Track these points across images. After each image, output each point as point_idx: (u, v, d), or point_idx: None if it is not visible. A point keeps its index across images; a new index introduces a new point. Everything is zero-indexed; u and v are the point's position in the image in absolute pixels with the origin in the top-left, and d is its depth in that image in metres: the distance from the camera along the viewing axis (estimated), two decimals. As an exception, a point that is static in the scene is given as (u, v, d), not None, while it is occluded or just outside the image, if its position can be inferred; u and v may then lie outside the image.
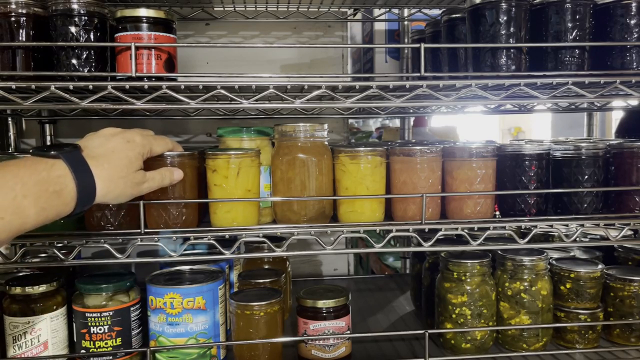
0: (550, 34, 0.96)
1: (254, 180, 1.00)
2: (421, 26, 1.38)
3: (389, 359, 1.08)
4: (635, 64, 0.96)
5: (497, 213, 1.08)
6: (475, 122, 4.88)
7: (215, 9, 1.43)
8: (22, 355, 0.97)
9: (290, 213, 1.01)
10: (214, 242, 0.96)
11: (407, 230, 1.00)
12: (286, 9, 1.44)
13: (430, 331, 1.03)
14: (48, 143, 1.45)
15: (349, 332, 1.07)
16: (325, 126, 1.03)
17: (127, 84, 0.87)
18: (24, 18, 0.88)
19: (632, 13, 0.95)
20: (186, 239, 0.96)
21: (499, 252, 1.10)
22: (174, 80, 0.92)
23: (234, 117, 1.43)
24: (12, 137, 1.41)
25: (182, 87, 0.89)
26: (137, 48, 0.89)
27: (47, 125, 1.43)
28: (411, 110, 1.45)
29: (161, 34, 0.92)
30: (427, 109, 1.44)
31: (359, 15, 1.52)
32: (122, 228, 0.97)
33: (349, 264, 1.72)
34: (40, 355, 0.98)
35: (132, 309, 1.02)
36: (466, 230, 1.00)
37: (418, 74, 0.93)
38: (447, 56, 1.11)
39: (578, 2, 0.94)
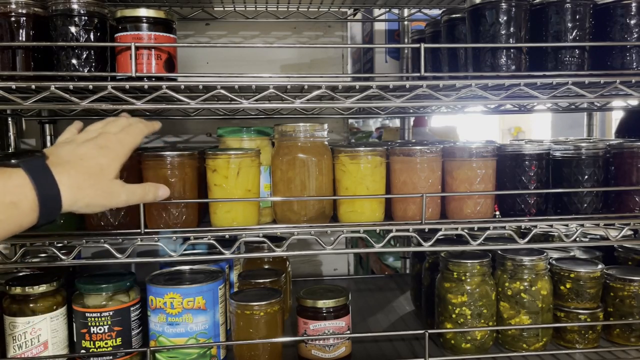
0: (550, 34, 0.96)
1: (254, 180, 1.00)
2: (421, 26, 1.38)
3: (389, 359, 1.08)
4: (635, 64, 0.96)
5: (497, 213, 1.08)
6: (475, 122, 4.88)
7: (215, 9, 1.42)
8: (22, 355, 0.97)
9: (290, 213, 1.01)
10: (214, 242, 0.96)
11: (407, 230, 1.00)
12: (286, 9, 1.44)
13: (430, 331, 1.03)
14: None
15: (349, 332, 1.07)
16: (325, 126, 1.03)
17: (127, 84, 0.87)
18: (24, 18, 0.88)
19: (632, 13, 0.95)
20: (186, 239, 0.96)
21: (499, 252, 1.10)
22: (174, 80, 0.92)
23: (234, 117, 1.43)
24: (12, 137, 1.41)
25: (182, 87, 0.89)
26: (137, 48, 0.89)
27: (47, 125, 1.43)
28: (411, 110, 1.45)
29: (161, 34, 0.92)
30: (427, 109, 1.44)
31: (359, 15, 1.52)
32: (122, 228, 0.97)
33: (349, 264, 1.72)
34: (40, 355, 0.98)
35: (132, 309, 1.02)
36: (466, 230, 1.00)
37: (418, 74, 0.93)
38: (447, 56, 1.11)
39: (578, 2, 0.94)
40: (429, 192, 1.00)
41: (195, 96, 0.92)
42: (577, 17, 0.95)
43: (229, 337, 1.08)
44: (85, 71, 0.89)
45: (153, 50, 0.91)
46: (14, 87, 0.85)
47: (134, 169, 0.98)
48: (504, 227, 1.03)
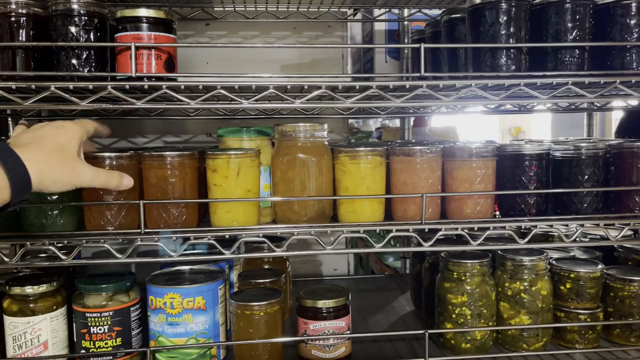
0: (550, 34, 0.96)
1: (254, 180, 1.00)
2: (421, 26, 1.38)
3: (389, 359, 1.08)
4: (635, 64, 0.96)
5: (497, 213, 1.08)
6: (475, 122, 4.88)
7: (215, 9, 1.43)
8: (22, 355, 0.97)
9: (290, 213, 1.01)
10: (214, 242, 0.96)
11: (407, 230, 1.00)
12: (286, 9, 1.44)
13: (430, 331, 1.03)
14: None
15: (349, 332, 1.07)
16: (325, 126, 1.03)
17: (127, 84, 0.87)
18: (24, 18, 0.88)
19: (632, 13, 0.95)
20: (186, 239, 0.96)
21: (499, 252, 1.10)
22: (174, 80, 0.92)
23: (234, 117, 1.43)
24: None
25: (182, 87, 0.89)
26: (137, 48, 0.89)
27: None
28: (411, 110, 1.45)
29: (161, 34, 0.92)
30: (427, 109, 1.44)
31: (359, 16, 1.52)
32: (122, 228, 0.97)
33: (349, 264, 1.72)
34: (40, 355, 0.98)
35: (132, 309, 1.02)
36: (466, 230, 1.00)
37: (418, 74, 0.93)
38: (447, 56, 1.11)
39: (578, 2, 0.94)
40: (429, 192, 1.00)
41: (195, 96, 0.92)
42: (577, 17, 0.95)
43: (229, 337, 1.08)
44: (85, 71, 0.89)
45: (153, 50, 0.91)
46: (14, 87, 0.85)
47: (134, 169, 0.98)
48: (504, 227, 1.03)
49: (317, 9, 1.45)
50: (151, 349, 0.98)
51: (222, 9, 1.42)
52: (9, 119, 1.40)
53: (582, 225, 1.03)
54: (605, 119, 3.11)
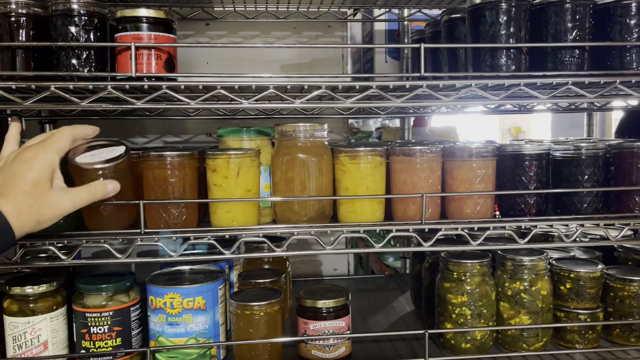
0: (550, 34, 0.96)
1: (254, 180, 1.00)
2: (421, 26, 1.38)
3: (389, 359, 1.08)
4: (635, 64, 0.96)
5: (497, 213, 1.08)
6: (475, 122, 4.88)
7: (215, 9, 1.43)
8: (22, 355, 0.97)
9: (290, 213, 1.01)
10: (214, 242, 0.96)
11: (407, 230, 1.00)
12: (286, 9, 1.44)
13: (430, 331, 1.03)
14: None
15: (349, 332, 1.07)
16: (325, 126, 1.03)
17: (127, 84, 0.87)
18: (24, 18, 0.88)
19: (632, 13, 0.95)
20: (186, 239, 0.96)
21: (499, 252, 1.10)
22: (174, 80, 0.92)
23: (234, 117, 1.43)
24: (12, 137, 1.41)
25: (182, 87, 0.89)
26: (137, 48, 0.89)
27: (47, 125, 1.43)
28: (411, 110, 1.45)
29: (161, 34, 0.92)
30: (427, 109, 1.44)
31: (359, 15, 1.52)
32: (122, 228, 0.97)
33: (349, 264, 1.72)
34: (40, 355, 0.98)
35: (132, 309, 1.02)
36: (466, 230, 1.00)
37: (418, 74, 0.93)
38: (447, 56, 1.11)
39: (578, 2, 0.94)
40: (429, 192, 1.00)
41: (195, 96, 0.92)
42: (577, 17, 0.95)
43: (229, 337, 1.08)
44: (85, 71, 0.89)
45: (153, 50, 0.91)
46: (14, 87, 0.85)
47: (134, 169, 0.98)
48: (504, 227, 1.03)
49: (317, 9, 1.45)
50: (151, 349, 0.98)
51: (222, 9, 1.42)
52: (9, 119, 1.40)
53: (582, 225, 1.03)
54: (605, 119, 3.11)
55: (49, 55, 0.90)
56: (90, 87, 0.87)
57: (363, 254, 2.20)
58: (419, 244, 1.01)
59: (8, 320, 0.98)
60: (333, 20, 1.54)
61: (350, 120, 2.05)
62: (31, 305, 0.98)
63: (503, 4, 0.93)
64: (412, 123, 1.76)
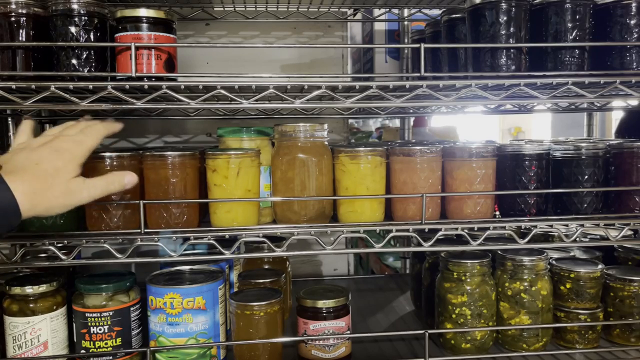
0: (550, 34, 0.96)
1: (254, 180, 1.00)
2: (421, 26, 1.38)
3: (389, 359, 1.08)
4: (635, 64, 0.96)
5: (497, 213, 1.08)
6: (475, 122, 4.88)
7: (215, 9, 1.43)
8: (22, 355, 0.97)
9: (290, 213, 1.01)
10: (214, 242, 0.96)
11: (407, 230, 1.00)
12: (286, 9, 1.44)
13: (430, 331, 1.03)
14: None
15: (349, 332, 1.07)
16: (325, 126, 1.03)
17: (127, 84, 0.87)
18: (24, 18, 0.88)
19: (632, 13, 0.95)
20: (186, 239, 0.96)
21: (499, 252, 1.10)
22: (174, 80, 0.92)
23: (234, 117, 1.43)
24: (12, 137, 1.41)
25: (182, 87, 0.89)
26: (137, 48, 0.89)
27: (47, 125, 1.43)
28: (411, 110, 1.45)
29: (161, 34, 0.92)
30: (427, 109, 1.44)
31: (359, 16, 1.52)
32: (122, 228, 0.97)
33: (349, 264, 1.72)
34: (40, 355, 0.98)
35: (132, 309, 1.02)
36: (466, 230, 1.00)
37: (418, 74, 0.93)
38: (447, 56, 1.11)
39: (578, 2, 0.94)
40: (429, 192, 1.00)
41: (195, 96, 0.92)
42: (577, 17, 0.95)
43: (229, 337, 1.08)
44: (85, 71, 0.89)
45: (153, 50, 0.91)
46: (14, 87, 0.85)
47: (135, 169, 0.98)
48: (504, 227, 1.03)
49: (317, 9, 1.45)
50: (151, 349, 0.98)
51: (222, 9, 1.42)
52: (9, 119, 1.40)
53: (582, 225, 1.03)
54: (605, 119, 3.11)
55: (49, 55, 0.90)
56: (90, 87, 0.87)
57: (363, 254, 2.20)
58: (419, 244, 1.01)
59: (8, 320, 0.98)
60: (333, 20, 1.54)
61: (350, 120, 2.05)
62: (31, 305, 0.98)
63: (503, 4, 0.93)
64: (412, 123, 1.76)
